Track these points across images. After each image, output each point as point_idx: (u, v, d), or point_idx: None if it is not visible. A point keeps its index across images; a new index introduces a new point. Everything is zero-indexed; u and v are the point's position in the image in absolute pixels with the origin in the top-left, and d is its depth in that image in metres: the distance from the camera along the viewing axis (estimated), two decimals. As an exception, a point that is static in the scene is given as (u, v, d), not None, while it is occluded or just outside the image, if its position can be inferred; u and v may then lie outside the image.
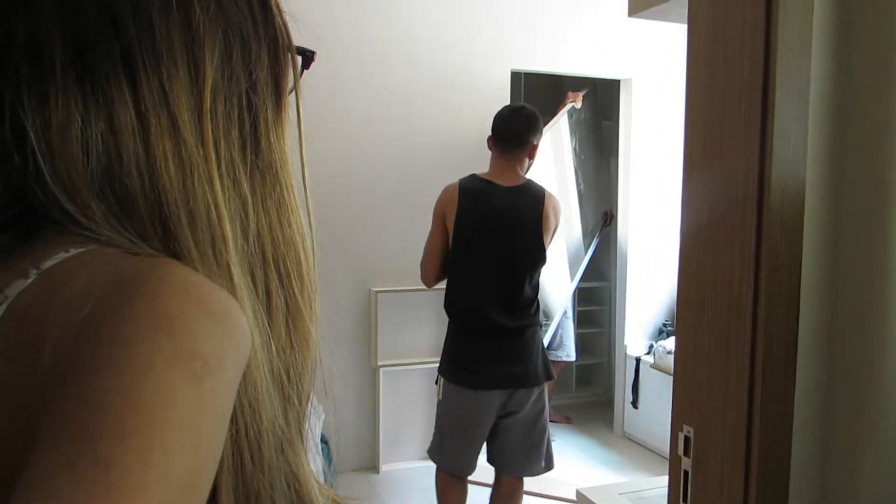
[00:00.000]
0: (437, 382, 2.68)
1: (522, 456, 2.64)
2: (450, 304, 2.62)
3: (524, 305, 2.54)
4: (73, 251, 0.43)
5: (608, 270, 4.92)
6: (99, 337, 0.36)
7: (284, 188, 0.52)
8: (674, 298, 1.22)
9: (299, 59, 0.56)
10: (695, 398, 1.16)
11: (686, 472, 1.17)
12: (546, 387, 2.65)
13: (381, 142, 3.59)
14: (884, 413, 1.03)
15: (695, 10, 1.14)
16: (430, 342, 3.54)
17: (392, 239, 3.53)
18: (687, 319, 1.18)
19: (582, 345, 4.51)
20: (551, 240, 2.65)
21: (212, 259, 0.45)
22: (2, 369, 0.39)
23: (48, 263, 0.42)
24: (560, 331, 4.21)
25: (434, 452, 2.73)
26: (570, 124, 4.16)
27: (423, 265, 2.63)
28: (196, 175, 0.46)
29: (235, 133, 0.49)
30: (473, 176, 2.59)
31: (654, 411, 3.99)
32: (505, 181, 2.54)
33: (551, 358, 4.19)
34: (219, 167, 0.47)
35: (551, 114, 4.10)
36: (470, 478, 2.74)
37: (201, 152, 0.47)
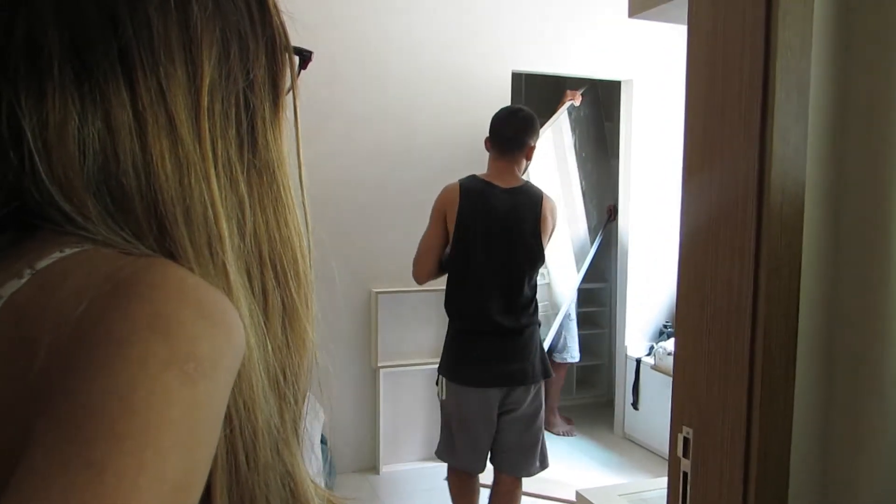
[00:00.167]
0: (437, 383, 2.70)
1: (521, 455, 2.67)
2: (451, 304, 2.64)
3: (524, 305, 2.57)
4: (68, 251, 0.42)
5: (608, 272, 4.92)
6: (93, 337, 0.36)
7: (281, 187, 0.52)
8: (674, 300, 1.22)
9: (297, 58, 0.56)
10: (694, 399, 1.15)
11: (685, 474, 1.16)
12: (543, 385, 2.68)
13: (382, 142, 3.59)
14: (884, 413, 1.03)
15: (695, 11, 1.14)
16: (430, 343, 3.54)
17: (392, 240, 3.53)
18: (686, 320, 1.17)
19: (583, 346, 4.51)
20: (549, 241, 2.67)
21: (208, 258, 0.45)
22: None
23: (43, 263, 0.42)
24: (564, 332, 4.21)
25: (443, 453, 2.74)
26: (570, 122, 4.18)
27: (417, 261, 2.63)
28: (193, 174, 0.46)
29: (233, 132, 0.49)
30: (473, 176, 2.62)
31: (654, 413, 3.98)
32: (504, 182, 2.57)
33: (556, 360, 4.21)
34: (216, 166, 0.47)
35: (552, 114, 4.11)
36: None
37: (198, 151, 0.47)
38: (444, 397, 2.66)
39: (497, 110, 2.69)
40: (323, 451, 3.35)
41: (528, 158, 2.63)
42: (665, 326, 4.22)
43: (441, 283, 2.67)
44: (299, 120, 0.56)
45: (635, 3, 1.46)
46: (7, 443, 0.37)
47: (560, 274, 4.09)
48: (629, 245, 4.22)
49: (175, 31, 0.47)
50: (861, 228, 1.05)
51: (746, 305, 1.04)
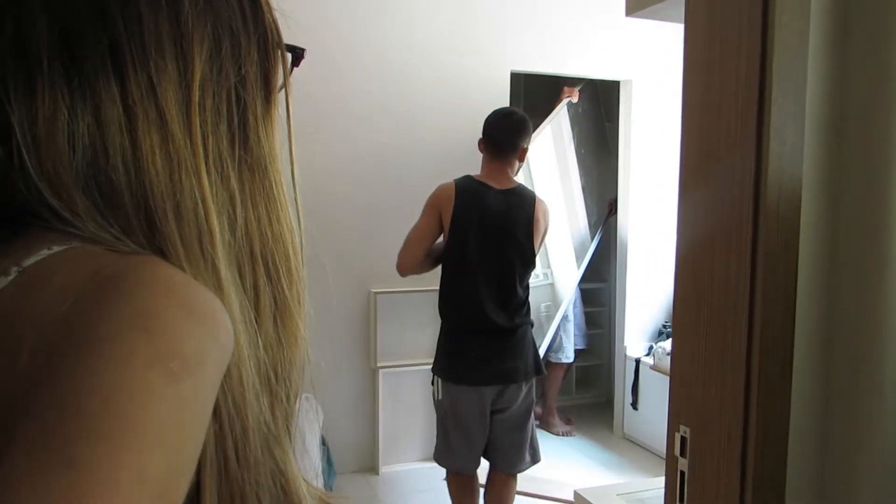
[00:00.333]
0: (433, 383, 2.72)
1: (514, 452, 2.71)
2: (445, 303, 2.67)
3: (518, 305, 2.62)
4: (55, 248, 0.42)
5: (608, 272, 4.92)
6: (76, 335, 0.35)
7: (273, 184, 0.52)
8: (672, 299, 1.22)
9: (289, 55, 0.55)
10: (691, 398, 1.15)
11: (682, 473, 1.16)
12: (534, 382, 2.73)
13: (381, 142, 3.59)
14: (882, 412, 1.03)
15: (691, 9, 1.14)
16: (429, 343, 3.52)
17: (391, 240, 3.49)
18: (683, 319, 1.17)
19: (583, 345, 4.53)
20: (541, 244, 2.72)
21: (198, 254, 0.45)
22: None
23: (30, 261, 0.42)
24: (559, 332, 4.21)
25: (441, 456, 2.76)
26: (569, 118, 4.19)
27: (404, 251, 2.63)
28: (183, 169, 0.46)
29: (224, 128, 0.49)
30: (468, 177, 2.66)
31: (653, 412, 3.98)
32: (498, 184, 2.62)
33: (551, 360, 4.21)
34: (206, 161, 0.47)
35: (550, 112, 4.12)
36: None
37: (189, 146, 0.46)
38: (439, 397, 2.68)
39: (489, 113, 2.72)
40: (323, 451, 3.34)
41: (521, 160, 2.68)
42: (664, 326, 4.22)
43: (418, 273, 2.70)
44: (292, 117, 0.56)
45: (632, 2, 1.46)
46: None
47: (562, 273, 4.10)
48: (628, 245, 4.22)
49: (166, 26, 0.47)
50: (858, 226, 1.05)
51: (743, 304, 1.04)
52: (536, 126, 3.87)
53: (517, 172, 2.72)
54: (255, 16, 0.52)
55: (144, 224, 0.44)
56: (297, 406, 0.52)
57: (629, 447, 4.20)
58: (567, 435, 4.31)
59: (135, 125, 0.45)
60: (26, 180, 0.43)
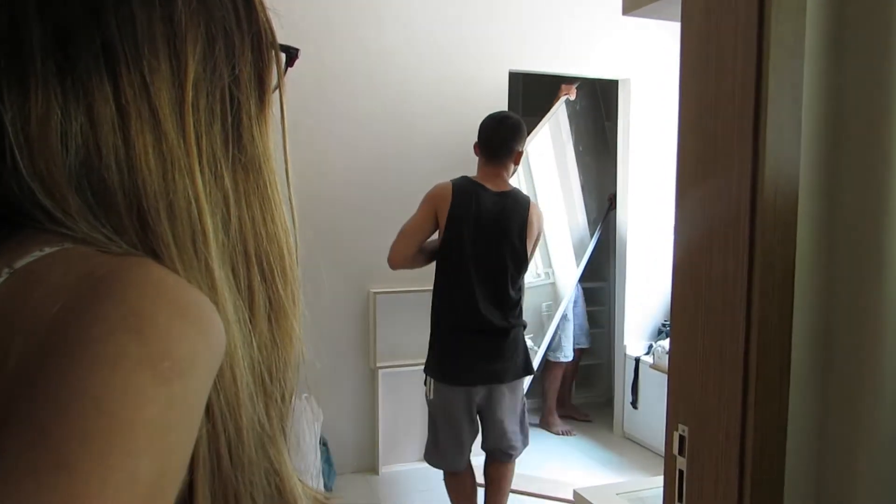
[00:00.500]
0: (425, 383, 2.79)
1: (508, 443, 2.80)
2: (441, 302, 2.71)
3: (512, 306, 2.69)
4: (47, 250, 0.42)
5: (607, 271, 4.92)
6: (66, 337, 0.35)
7: (268, 183, 0.52)
8: (669, 297, 1.22)
9: (283, 56, 0.55)
10: (689, 397, 1.15)
11: (681, 472, 1.16)
12: (524, 379, 2.83)
13: (379, 143, 3.59)
14: (880, 410, 1.03)
15: (688, 8, 1.14)
16: (428, 343, 3.53)
17: (390, 240, 3.51)
18: (681, 318, 1.17)
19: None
20: (534, 248, 2.78)
21: (191, 254, 0.45)
22: None
23: (21, 263, 0.41)
24: (559, 331, 4.21)
25: (431, 455, 2.83)
26: (567, 116, 4.19)
27: (397, 244, 2.67)
28: (177, 168, 0.45)
29: (218, 127, 0.49)
30: (465, 177, 2.71)
31: (653, 411, 3.98)
32: (494, 186, 2.68)
33: (549, 359, 4.22)
34: (200, 161, 0.47)
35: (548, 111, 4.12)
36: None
37: (182, 146, 0.46)
38: (430, 397, 2.75)
39: (484, 117, 2.76)
40: (322, 451, 3.34)
41: (517, 163, 2.75)
42: (664, 325, 4.22)
43: (409, 268, 2.75)
44: (286, 117, 0.56)
45: (628, 1, 1.46)
46: None
47: (563, 272, 4.11)
48: (628, 244, 4.22)
49: (159, 25, 0.47)
50: (856, 224, 1.05)
51: (741, 303, 1.04)
52: (535, 125, 3.87)
53: (512, 175, 2.78)
54: (249, 16, 0.52)
55: (137, 224, 0.44)
56: (293, 406, 0.52)
57: (629, 446, 4.20)
58: (567, 434, 4.31)
59: (128, 124, 0.45)
60: (19, 180, 0.43)
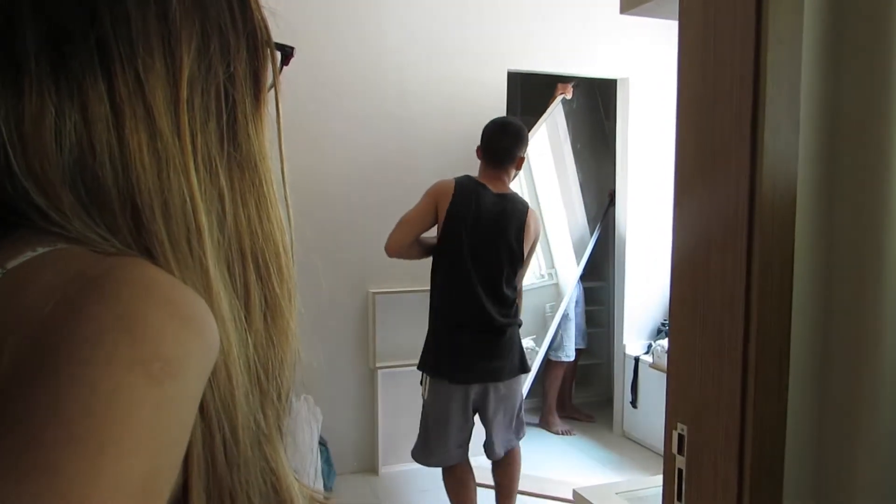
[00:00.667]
0: (421, 382, 2.80)
1: (509, 435, 2.86)
2: (441, 297, 2.74)
3: (509, 304, 2.74)
4: (40, 250, 0.42)
5: (606, 270, 4.92)
6: (56, 338, 0.35)
7: (263, 182, 0.52)
8: (668, 296, 1.22)
9: (278, 54, 0.55)
10: (688, 396, 1.15)
11: (680, 471, 1.16)
12: (520, 377, 2.88)
13: (378, 143, 3.59)
14: (879, 408, 1.03)
15: (685, 5, 1.14)
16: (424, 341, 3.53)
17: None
18: (680, 317, 1.17)
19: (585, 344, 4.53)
20: (530, 252, 2.83)
21: (186, 252, 0.45)
22: None
23: (14, 263, 0.41)
24: (560, 331, 4.21)
25: (417, 452, 2.85)
26: (564, 115, 4.19)
27: (395, 231, 2.71)
28: (171, 166, 0.45)
29: (213, 125, 0.49)
30: (468, 176, 2.76)
31: (653, 411, 3.98)
32: (495, 188, 2.73)
33: (551, 358, 4.22)
34: (195, 159, 0.47)
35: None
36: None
37: (177, 144, 0.46)
38: (426, 396, 2.78)
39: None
40: (322, 452, 3.34)
41: (518, 168, 2.81)
42: (663, 324, 4.22)
43: (405, 258, 2.79)
44: (281, 115, 0.56)
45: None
46: None
47: (564, 271, 4.11)
48: (627, 244, 4.22)
49: (154, 23, 0.46)
50: (854, 222, 1.05)
51: (739, 301, 1.04)
52: (533, 125, 3.87)
53: (513, 179, 2.83)
54: (244, 14, 0.52)
55: (131, 222, 0.44)
56: (289, 404, 0.52)
57: (629, 445, 4.20)
58: (566, 434, 4.31)
59: (122, 122, 0.44)
60: (12, 179, 0.43)
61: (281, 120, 0.56)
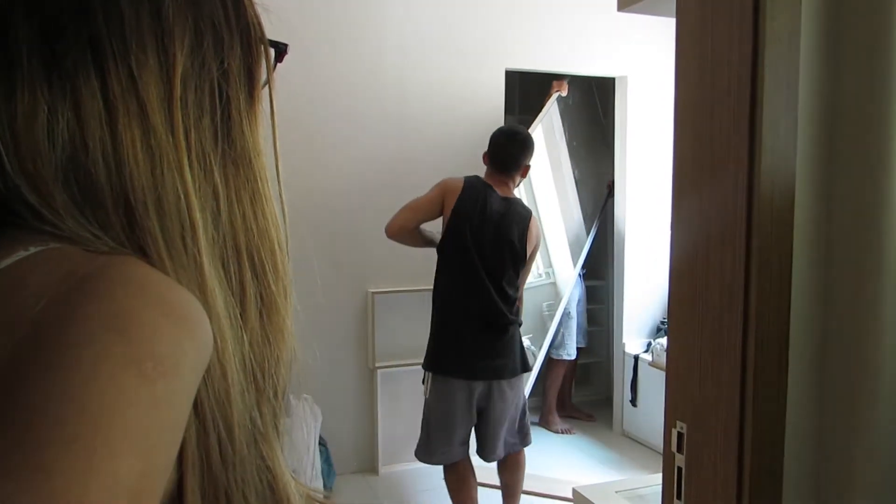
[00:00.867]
0: (423, 381, 2.82)
1: (513, 436, 2.88)
2: (444, 296, 2.76)
3: (511, 302, 2.78)
4: (32, 249, 0.41)
5: (606, 269, 4.91)
6: (49, 336, 0.35)
7: (258, 178, 0.51)
8: (667, 294, 1.21)
9: (272, 51, 0.55)
10: (687, 395, 1.15)
11: (680, 469, 1.16)
12: (523, 377, 2.91)
13: (377, 141, 3.59)
14: (878, 406, 1.03)
15: (683, 3, 1.13)
16: (427, 343, 3.53)
17: (388, 240, 3.52)
18: (679, 315, 1.17)
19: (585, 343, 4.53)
20: (531, 258, 2.88)
21: (180, 249, 0.44)
22: None
23: (5, 263, 0.41)
24: (562, 329, 4.21)
25: (421, 450, 2.86)
26: (559, 112, 4.19)
27: (399, 214, 2.75)
28: (165, 163, 0.45)
29: (206, 122, 0.49)
30: (477, 177, 2.82)
31: (653, 409, 3.97)
32: (501, 191, 2.79)
33: (552, 356, 4.21)
34: (189, 155, 0.47)
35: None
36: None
37: (171, 140, 0.46)
38: (428, 395, 2.80)
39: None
40: (322, 452, 3.33)
41: (523, 176, 2.88)
42: (662, 323, 4.22)
43: (403, 244, 2.84)
44: (275, 112, 0.56)
45: (625, -3, 1.46)
46: None
47: (562, 270, 4.11)
48: (626, 243, 4.22)
49: (147, 20, 0.46)
50: (853, 221, 1.04)
51: (738, 299, 1.03)
52: (531, 124, 3.86)
53: (517, 186, 2.90)
54: (237, 10, 0.52)
55: (125, 219, 0.44)
56: (286, 403, 0.52)
57: (628, 444, 4.20)
58: (566, 433, 4.31)
59: (115, 119, 0.44)
60: (4, 178, 0.43)
61: (275, 116, 0.55)
